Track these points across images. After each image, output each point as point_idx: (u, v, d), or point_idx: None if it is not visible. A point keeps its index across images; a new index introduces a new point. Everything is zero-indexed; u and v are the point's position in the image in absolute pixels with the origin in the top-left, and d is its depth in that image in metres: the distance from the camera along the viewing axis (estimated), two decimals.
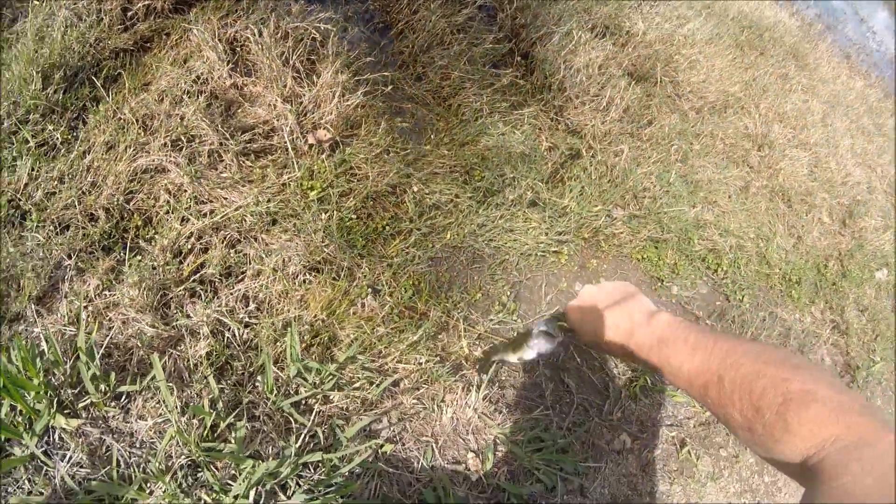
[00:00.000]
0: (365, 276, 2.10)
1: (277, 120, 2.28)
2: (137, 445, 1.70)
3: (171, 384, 1.71)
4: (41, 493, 1.62)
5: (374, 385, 1.92)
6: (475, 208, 2.38)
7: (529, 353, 1.52)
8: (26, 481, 1.63)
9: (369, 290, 2.08)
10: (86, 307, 1.88)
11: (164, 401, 1.66)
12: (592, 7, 3.16)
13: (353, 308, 2.04)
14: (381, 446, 1.84)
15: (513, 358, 1.60)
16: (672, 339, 1.01)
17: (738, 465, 2.53)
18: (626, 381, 2.42)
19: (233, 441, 1.67)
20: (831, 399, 0.75)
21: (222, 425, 1.69)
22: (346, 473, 1.75)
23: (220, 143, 2.19)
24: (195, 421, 1.68)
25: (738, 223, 3.05)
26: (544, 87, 2.80)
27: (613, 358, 2.43)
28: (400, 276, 2.15)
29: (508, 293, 2.32)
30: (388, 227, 2.23)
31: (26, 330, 1.85)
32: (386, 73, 2.45)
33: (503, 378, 2.13)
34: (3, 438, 1.65)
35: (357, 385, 1.91)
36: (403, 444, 1.90)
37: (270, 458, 1.66)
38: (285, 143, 2.25)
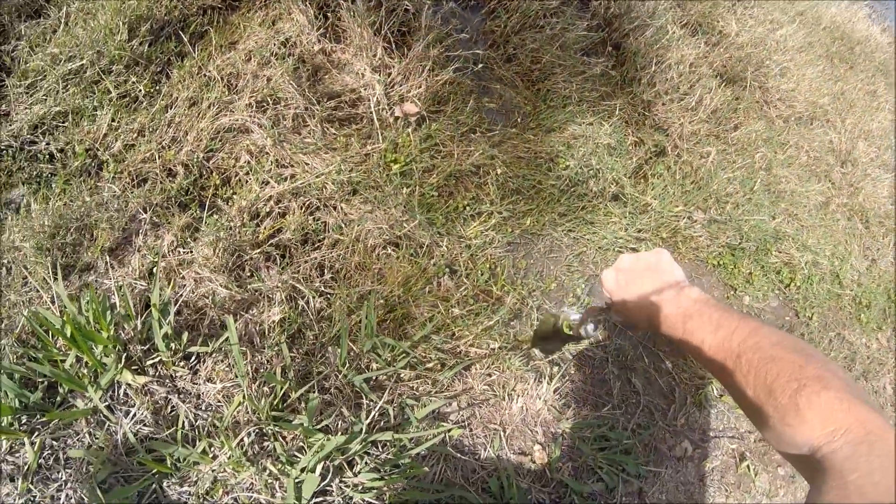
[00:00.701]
0: (443, 255, 2.00)
1: (365, 89, 2.19)
2: (203, 408, 1.63)
3: (243, 348, 1.62)
4: (101, 448, 1.56)
5: (446, 367, 1.83)
6: (557, 197, 2.26)
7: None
8: (87, 434, 1.58)
9: (447, 269, 1.97)
10: (159, 262, 1.80)
11: (235, 365, 1.58)
12: (687, 3, 3.00)
13: (428, 287, 1.94)
14: (449, 430, 1.73)
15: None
16: (697, 315, 0.99)
17: (793, 486, 2.40)
18: (692, 388, 2.29)
19: (303, 413, 1.57)
20: (842, 389, 0.74)
21: (293, 395, 1.60)
22: (413, 455, 1.65)
23: (306, 108, 2.11)
24: (266, 388, 1.59)
25: (815, 239, 2.88)
26: (634, 80, 2.67)
27: (674, 360, 2.29)
28: (477, 259, 2.04)
29: (583, 286, 2.20)
30: (468, 208, 2.13)
31: (96, 281, 1.79)
32: (478, 52, 2.33)
33: (572, 371, 2.01)
34: (66, 390, 1.59)
35: (429, 365, 1.81)
36: (471, 430, 1.81)
37: (339, 433, 1.56)
38: (371, 113, 2.16)
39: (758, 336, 0.88)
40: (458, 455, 1.75)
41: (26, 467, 1.53)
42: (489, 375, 1.89)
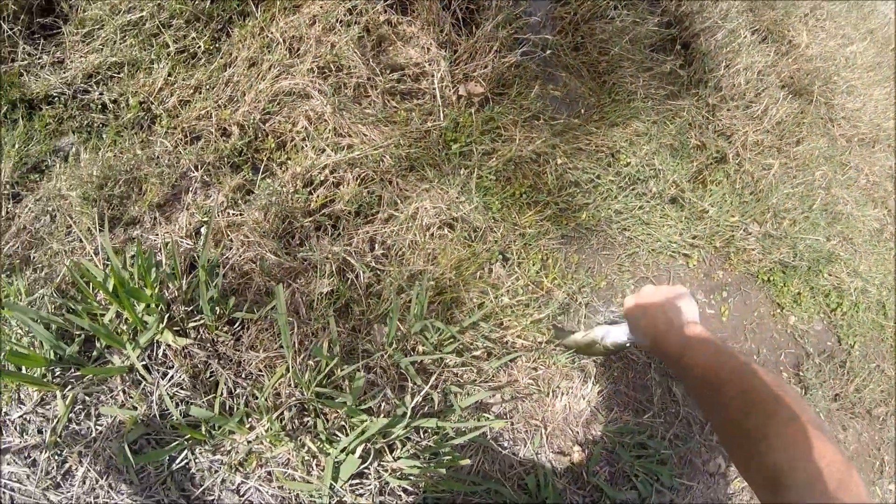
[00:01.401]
0: (496, 241, 1.89)
1: (429, 65, 2.08)
2: (243, 377, 1.54)
3: (289, 319, 1.52)
4: (135, 408, 1.47)
5: (493, 357, 1.72)
6: (615, 193, 2.15)
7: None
8: (121, 393, 1.50)
9: (500, 256, 1.86)
10: (207, 223, 1.71)
11: (280, 335, 1.47)
12: (759, 8, 2.85)
13: (479, 272, 1.84)
14: (492, 422, 1.63)
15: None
16: (697, 345, 1.06)
17: None
18: None
19: (347, 391, 1.47)
20: (810, 423, 0.79)
21: (338, 372, 1.50)
22: (455, 445, 1.55)
23: (368, 78, 2.01)
24: (311, 362, 1.49)
25: (867, 266, 2.74)
26: (700, 82, 2.54)
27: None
28: (530, 248, 1.94)
29: (632, 287, 2.09)
30: (525, 196, 2.03)
31: (141, 236, 1.70)
32: (547, 37, 2.21)
33: (616, 374, 1.90)
34: (103, 345, 1.50)
35: (476, 353, 1.70)
36: (512, 424, 1.71)
37: (382, 416, 1.46)
38: (434, 89, 2.05)
39: (744, 368, 0.94)
40: (498, 448, 1.65)
41: (56, 420, 1.46)
42: (535, 370, 1.79)
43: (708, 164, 2.40)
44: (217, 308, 1.56)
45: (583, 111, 2.27)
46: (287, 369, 1.47)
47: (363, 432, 1.38)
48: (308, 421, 1.48)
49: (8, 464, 1.43)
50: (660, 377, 2.04)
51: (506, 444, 1.68)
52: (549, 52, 2.26)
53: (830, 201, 2.71)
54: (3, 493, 1.42)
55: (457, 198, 1.89)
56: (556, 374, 1.80)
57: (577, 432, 1.78)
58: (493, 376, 1.74)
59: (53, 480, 1.43)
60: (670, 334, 1.13)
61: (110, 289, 1.50)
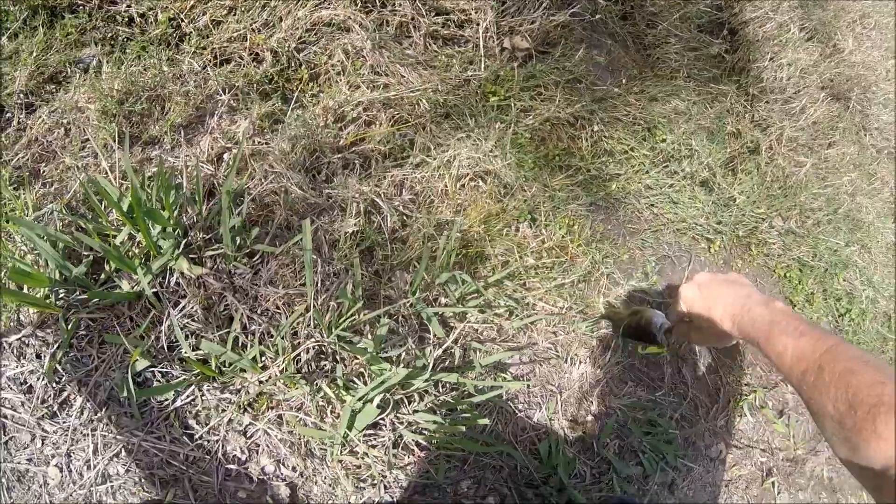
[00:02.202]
0: (526, 200, 1.78)
1: (476, 12, 1.95)
2: (259, 312, 1.43)
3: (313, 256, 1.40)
4: (141, 338, 1.36)
5: (514, 316, 1.62)
6: (647, 168, 2.05)
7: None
8: (128, 321, 1.41)
9: (529, 215, 1.76)
10: (237, 147, 1.58)
11: (304, 271, 1.36)
12: (810, 6, 2.73)
13: (507, 230, 1.73)
14: (510, 383, 1.54)
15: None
16: (784, 323, 0.99)
17: None
18: (736, 392, 2.11)
19: (370, 337, 1.36)
20: None
21: (361, 317, 1.38)
22: (473, 403, 1.46)
23: (413, 18, 1.88)
24: (333, 303, 1.38)
25: (880, 277, 2.67)
26: (743, 71, 2.43)
27: (723, 361, 2.10)
28: (559, 212, 1.84)
29: (653, 265, 2.00)
30: (558, 158, 1.93)
31: (160, 157, 1.57)
32: (598, 0, 2.08)
33: (630, 349, 1.82)
34: (113, 268, 1.38)
35: (498, 311, 1.60)
36: (528, 388, 1.61)
37: (402, 365, 1.36)
38: (478, 38, 1.93)
39: (840, 348, 0.87)
40: (512, 410, 1.57)
41: (56, 346, 1.36)
42: (555, 334, 1.71)
43: (741, 152, 2.30)
44: (238, 238, 1.44)
45: (624, 81, 2.16)
46: (307, 308, 1.36)
47: (384, 382, 1.27)
48: (325, 365, 1.38)
49: (2, 389, 1.34)
50: (670, 356, 1.97)
51: (520, 407, 1.60)
52: (597, 16, 2.14)
53: (854, 208, 2.62)
54: None
55: (490, 151, 1.77)
56: (574, 342, 1.72)
57: (592, 402, 1.70)
58: (512, 336, 1.65)
59: (50, 409, 1.35)
60: (755, 310, 1.07)
61: (125, 208, 1.38)
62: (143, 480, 1.34)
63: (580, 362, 1.70)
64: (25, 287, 1.36)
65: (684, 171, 2.11)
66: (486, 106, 1.87)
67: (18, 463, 1.31)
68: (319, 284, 1.41)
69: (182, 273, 1.40)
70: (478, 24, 1.95)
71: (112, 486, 1.33)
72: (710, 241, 2.18)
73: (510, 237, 1.74)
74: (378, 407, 1.29)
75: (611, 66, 2.20)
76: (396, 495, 1.41)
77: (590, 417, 1.67)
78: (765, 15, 2.48)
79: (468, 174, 1.73)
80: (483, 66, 1.91)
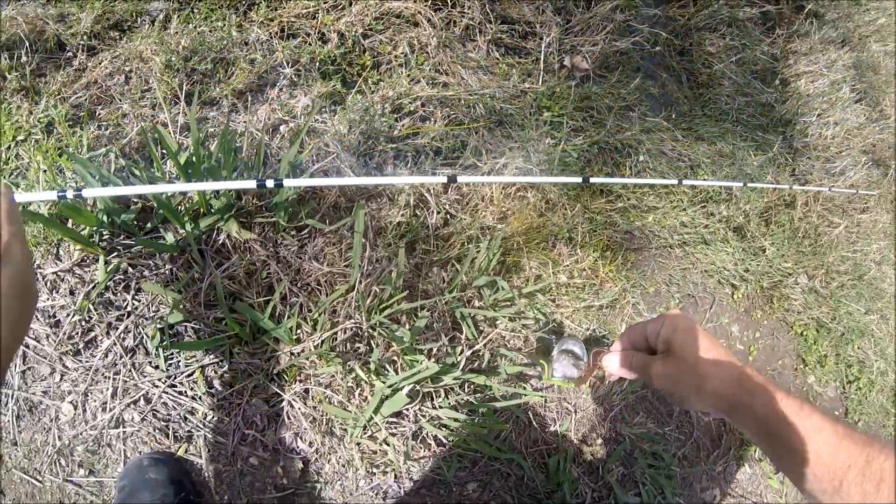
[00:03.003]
0: (566, 218, 1.84)
1: (541, 26, 2.02)
2: (299, 286, 1.47)
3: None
4: (179, 292, 1.39)
5: (541, 329, 1.68)
6: (685, 205, 2.11)
7: (555, 371, 1.48)
8: (168, 272, 1.43)
9: (567, 234, 1.82)
10: (287, 122, 1.64)
11: (348, 252, 1.42)
12: (864, 68, 2.81)
13: (543, 244, 1.78)
14: (532, 394, 1.59)
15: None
16: (821, 422, 0.77)
17: None
18: (737, 441, 2.16)
19: (407, 327, 1.42)
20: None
21: (400, 307, 1.44)
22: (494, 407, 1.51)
23: (480, 22, 1.94)
24: (375, 289, 1.43)
25: (893, 350, 2.73)
26: (790, 123, 2.50)
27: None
28: (595, 235, 1.90)
29: (677, 302, 2.06)
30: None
31: (215, 118, 1.62)
32: (660, 33, 2.15)
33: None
34: (161, 219, 1.41)
35: (526, 322, 1.65)
36: (546, 402, 1.66)
37: (433, 360, 1.41)
38: (540, 52, 1.99)
39: (882, 441, 0.73)
40: (527, 421, 1.61)
41: (92, 286, 1.39)
42: None
43: (777, 204, 2.36)
44: (290, 210, 1.49)
45: (673, 116, 2.23)
46: (350, 290, 1.41)
47: (417, 373, 1.33)
48: (360, 348, 1.42)
49: None
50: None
51: (536, 420, 1.64)
52: (657, 48, 2.20)
53: (879, 276, 2.69)
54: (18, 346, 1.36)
55: (539, 164, 1.83)
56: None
57: (604, 427, 1.75)
58: (537, 349, 1.70)
59: (74, 346, 1.38)
60: (779, 402, 0.84)
61: (182, 162, 1.43)
62: (157, 431, 1.38)
63: (598, 385, 1.75)
64: (70, 223, 1.39)
65: (721, 214, 2.17)
66: (539, 120, 1.93)
67: (33, 393, 1.35)
68: (364, 268, 1.45)
69: (229, 235, 1.45)
70: (541, 39, 2.01)
71: (125, 432, 1.37)
72: (735, 288, 2.24)
73: (546, 252, 1.80)
74: (407, 396, 1.34)
75: (662, 99, 2.27)
76: (406, 486, 1.46)
77: (599, 441, 1.72)
78: (818, 71, 2.56)
79: (515, 184, 1.79)
80: (541, 80, 1.98)
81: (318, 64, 1.79)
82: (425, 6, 1.89)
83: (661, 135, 2.15)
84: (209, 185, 1.29)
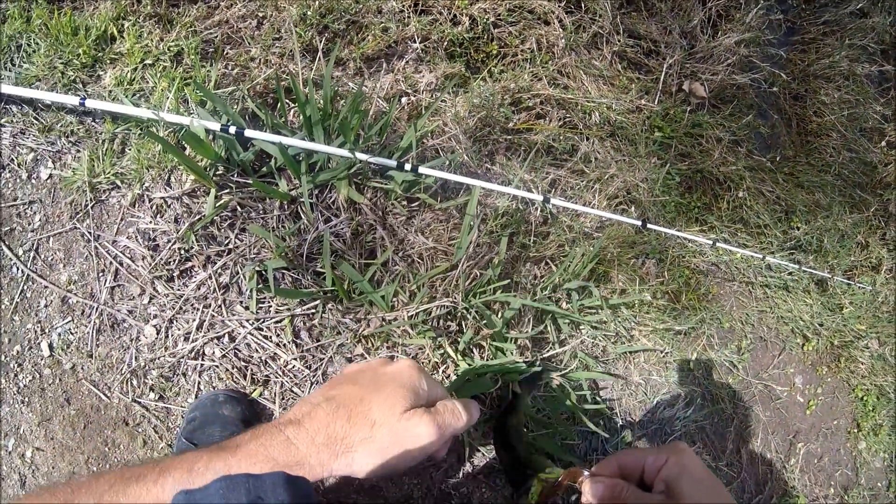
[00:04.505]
0: (659, 239, 1.80)
1: (666, 47, 2.00)
2: (401, 256, 1.46)
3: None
4: (283, 240, 1.39)
5: (619, 342, 1.66)
6: (774, 249, 2.06)
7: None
8: (275, 218, 1.43)
9: (658, 254, 1.79)
10: (408, 94, 1.64)
11: (456, 232, 1.41)
12: None
13: (634, 260, 1.76)
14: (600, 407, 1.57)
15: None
16: None
17: None
18: (781, 490, 2.12)
19: (500, 315, 1.41)
20: None
21: (496, 295, 1.42)
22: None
23: (608, 32, 1.91)
24: (476, 272, 1.42)
25: None
26: (889, 187, 2.44)
27: (778, 459, 2.11)
28: (683, 261, 1.87)
29: (749, 343, 2.02)
30: (697, 210, 1.97)
31: (340, 80, 1.61)
32: (780, 74, 2.11)
33: (704, 414, 1.84)
34: (277, 165, 1.42)
35: (607, 333, 1.64)
36: (610, 410, 1.63)
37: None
38: (661, 71, 1.95)
39: None
40: (588, 429, 1.58)
41: (197, 217, 1.40)
42: (649, 374, 1.72)
43: (863, 264, 2.31)
44: (405, 182, 1.48)
45: (777, 158, 2.19)
46: (451, 268, 1.40)
47: (505, 361, 1.31)
48: (451, 326, 1.41)
49: (129, 238, 1.37)
50: (735, 434, 1.98)
51: (594, 430, 1.62)
52: (774, 88, 2.16)
53: None
54: (111, 262, 1.37)
55: (641, 180, 1.81)
56: (664, 384, 1.75)
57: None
58: (612, 361, 1.68)
59: (169, 272, 1.39)
60: None
61: (308, 113, 1.43)
62: (235, 370, 1.39)
63: (664, 407, 1.73)
64: (188, 150, 1.39)
65: (809, 264, 2.13)
66: (649, 138, 1.91)
67: (118, 311, 1.36)
68: (469, 250, 1.45)
69: (344, 194, 1.45)
70: (664, 59, 1.99)
71: (203, 365, 1.38)
72: (807, 340, 2.19)
73: (635, 268, 1.78)
74: (493, 382, 1.33)
75: (770, 140, 2.23)
76: (466, 469, 1.45)
77: None
78: None
79: (619, 197, 1.76)
80: (657, 99, 1.95)
81: (445, 44, 1.79)
82: (559, 6, 1.88)
83: (763, 175, 2.11)
84: (357, 155, 1.29)
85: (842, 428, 2.35)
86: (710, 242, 1.69)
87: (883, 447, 2.47)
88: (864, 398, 2.38)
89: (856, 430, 2.40)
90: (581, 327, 1.62)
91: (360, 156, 1.19)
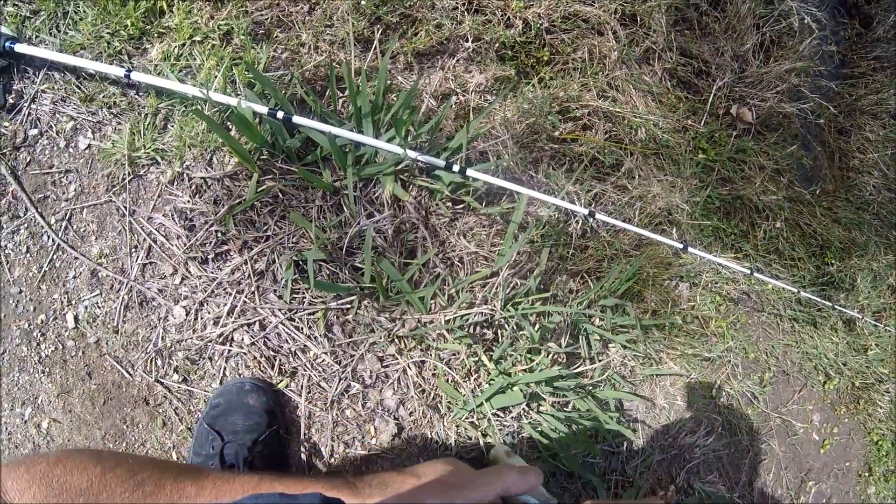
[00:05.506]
0: (693, 263, 1.78)
1: (716, 69, 1.96)
2: (441, 258, 1.43)
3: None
4: (324, 231, 1.35)
5: (647, 364, 1.64)
6: (805, 283, 2.03)
7: None
8: (316, 208, 1.39)
9: (692, 279, 1.76)
10: (457, 93, 1.61)
11: (499, 238, 1.39)
12: None
13: (667, 282, 1.73)
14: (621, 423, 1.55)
15: None
16: None
17: None
18: None
19: (536, 326, 1.38)
20: None
21: (535, 307, 1.39)
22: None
23: (661, 49, 1.88)
24: (517, 280, 1.39)
25: None
26: None
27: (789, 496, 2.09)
28: (716, 288, 1.84)
29: (772, 374, 2.00)
30: (733, 237, 1.93)
31: (390, 73, 1.59)
32: (828, 106, 2.08)
33: (724, 444, 1.82)
34: (322, 154, 1.38)
35: (637, 353, 1.61)
36: (634, 432, 1.61)
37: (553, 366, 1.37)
38: (710, 93, 1.92)
39: None
40: (608, 449, 1.56)
41: (238, 200, 1.37)
42: (675, 398, 1.70)
43: (892, 307, 2.27)
44: (452, 184, 1.45)
45: (817, 192, 2.15)
46: (493, 275, 1.38)
47: (540, 374, 1.29)
48: (486, 334, 1.39)
49: (165, 215, 1.34)
50: (749, 466, 1.96)
51: (616, 447, 1.59)
52: (820, 121, 2.13)
53: None
54: (145, 238, 1.34)
55: (681, 201, 1.78)
56: (689, 411, 1.72)
57: (680, 474, 1.70)
58: (639, 382, 1.65)
59: (204, 254, 1.36)
60: None
61: (358, 105, 1.40)
62: (263, 359, 1.36)
63: (687, 434, 1.71)
64: (234, 133, 1.36)
65: (839, 302, 2.10)
66: (693, 160, 1.88)
67: (148, 288, 1.34)
68: (511, 259, 1.42)
69: (389, 191, 1.42)
70: (714, 80, 1.95)
71: (230, 351, 1.36)
72: (829, 378, 2.17)
73: (668, 290, 1.75)
74: (523, 394, 1.30)
75: (811, 172, 2.20)
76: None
77: (672, 487, 1.68)
78: None
79: (660, 217, 1.74)
80: (703, 120, 1.92)
81: (496, 45, 1.76)
82: (614, 18, 1.85)
83: (802, 207, 2.08)
84: (408, 152, 1.26)
85: (853, 470, 2.32)
86: (749, 271, 1.67)
87: (892, 494, 2.45)
88: (880, 442, 2.35)
89: (867, 474, 2.38)
90: (611, 346, 1.59)
91: (411, 153, 1.17)
